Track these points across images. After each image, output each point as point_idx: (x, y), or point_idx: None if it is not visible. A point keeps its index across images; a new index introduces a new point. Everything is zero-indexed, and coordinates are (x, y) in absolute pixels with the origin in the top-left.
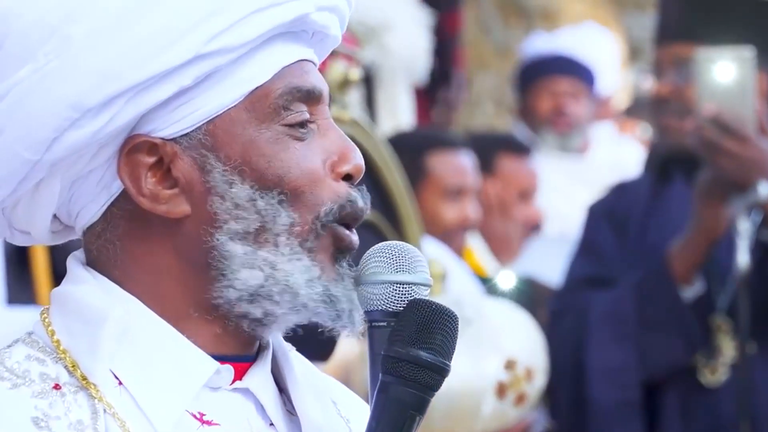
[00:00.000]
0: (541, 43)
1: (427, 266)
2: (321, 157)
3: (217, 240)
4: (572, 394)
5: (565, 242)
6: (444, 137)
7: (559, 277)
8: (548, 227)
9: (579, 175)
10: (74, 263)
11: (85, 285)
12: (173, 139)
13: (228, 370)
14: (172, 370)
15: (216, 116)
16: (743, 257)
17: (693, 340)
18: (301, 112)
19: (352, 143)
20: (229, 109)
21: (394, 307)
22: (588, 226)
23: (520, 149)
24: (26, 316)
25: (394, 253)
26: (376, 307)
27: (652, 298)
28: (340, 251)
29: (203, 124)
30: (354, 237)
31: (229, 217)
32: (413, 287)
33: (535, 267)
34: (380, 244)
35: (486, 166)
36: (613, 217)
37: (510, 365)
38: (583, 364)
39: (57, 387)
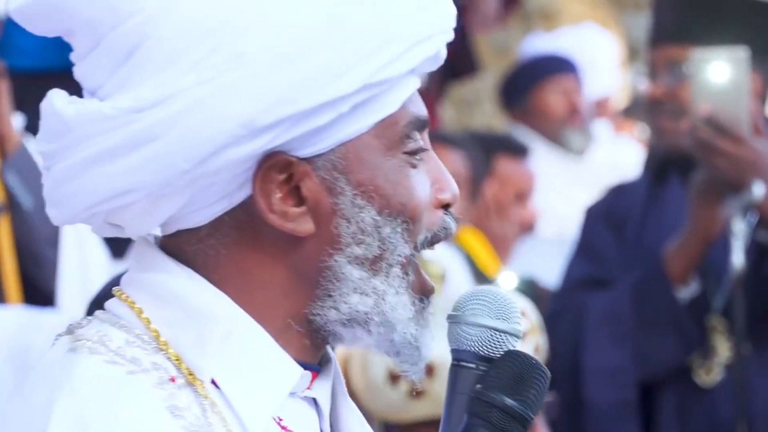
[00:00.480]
0: (539, 44)
1: (520, 317)
2: (428, 184)
3: (335, 261)
4: (569, 395)
5: (558, 243)
6: (446, 135)
7: (552, 278)
8: (546, 228)
9: (577, 175)
10: (154, 251)
11: (181, 278)
12: (306, 159)
13: (307, 376)
14: (265, 374)
15: (349, 140)
16: (738, 257)
17: (689, 340)
18: (418, 140)
19: (447, 170)
20: (362, 134)
21: (486, 352)
22: (586, 228)
23: (518, 150)
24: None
25: (494, 299)
26: (467, 348)
27: (649, 299)
28: (426, 295)
29: (336, 147)
30: (431, 281)
31: (352, 241)
32: (507, 336)
33: (530, 268)
34: (480, 288)
35: (486, 166)
36: (610, 218)
37: (523, 314)
38: (579, 364)
39: (173, 379)
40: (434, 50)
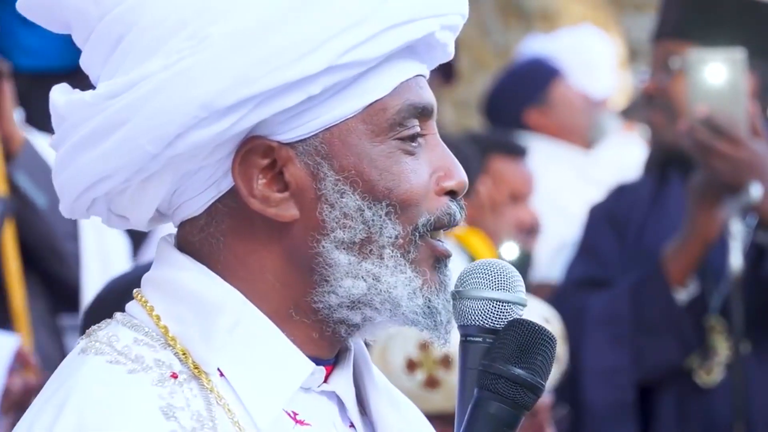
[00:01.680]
0: (537, 46)
1: (524, 286)
2: (428, 172)
3: (323, 247)
4: (568, 396)
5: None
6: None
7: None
8: (556, 227)
9: (586, 173)
10: (169, 248)
11: (190, 272)
12: (289, 144)
13: (321, 371)
14: (273, 367)
15: (333, 125)
16: (736, 258)
17: (688, 341)
18: (414, 127)
19: (455, 158)
20: (347, 119)
21: (491, 324)
22: (588, 228)
23: (515, 151)
24: None
25: (494, 270)
26: (472, 322)
27: (647, 300)
28: (438, 260)
29: (320, 132)
30: (447, 246)
31: (336, 226)
32: (511, 306)
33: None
34: (480, 261)
35: (480, 165)
36: (612, 219)
37: (548, 321)
38: (578, 365)
39: (174, 376)
40: (418, 35)
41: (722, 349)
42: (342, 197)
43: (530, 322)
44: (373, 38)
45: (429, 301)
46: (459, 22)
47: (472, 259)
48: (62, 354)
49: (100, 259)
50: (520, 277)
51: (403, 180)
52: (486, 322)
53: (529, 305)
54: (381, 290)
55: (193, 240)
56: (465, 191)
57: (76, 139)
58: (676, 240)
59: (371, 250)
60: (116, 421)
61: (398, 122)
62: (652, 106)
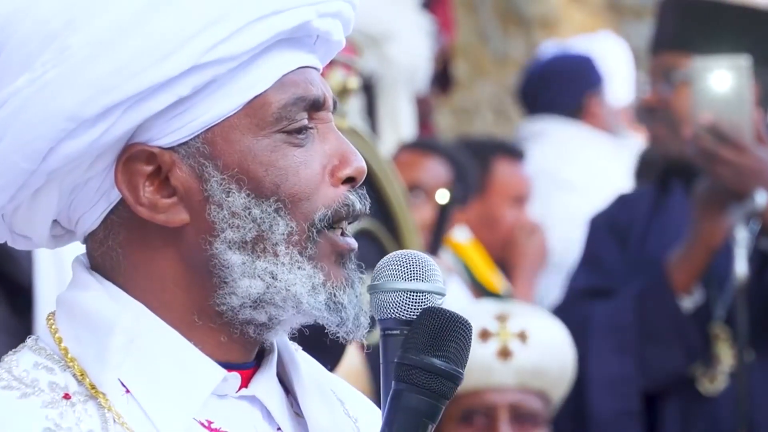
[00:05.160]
0: (554, 53)
1: (442, 275)
2: (321, 162)
3: (216, 249)
4: (573, 405)
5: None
6: (424, 142)
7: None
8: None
9: (617, 155)
10: (79, 267)
11: (91, 291)
12: (171, 148)
13: (235, 377)
14: (179, 377)
15: (215, 124)
16: (741, 266)
17: (693, 349)
18: (301, 120)
19: (352, 146)
20: (228, 117)
21: (408, 316)
22: (590, 238)
23: (515, 154)
24: None
25: (407, 261)
26: (389, 315)
27: (652, 308)
28: (341, 256)
29: (201, 133)
30: (349, 239)
31: (226, 226)
32: (427, 296)
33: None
34: (394, 253)
35: (481, 169)
36: (614, 228)
37: (502, 318)
38: (583, 374)
39: (67, 396)
40: (289, 25)
41: (726, 357)
42: (228, 196)
43: (442, 309)
44: (238, 33)
45: (333, 296)
46: (341, 8)
47: (470, 271)
48: None
49: (53, 261)
50: (437, 266)
51: (290, 174)
52: (402, 314)
53: (543, 325)
54: (279, 288)
55: (95, 254)
56: (364, 177)
57: None
58: (680, 248)
59: (264, 248)
60: None
61: (284, 116)
62: (654, 118)
